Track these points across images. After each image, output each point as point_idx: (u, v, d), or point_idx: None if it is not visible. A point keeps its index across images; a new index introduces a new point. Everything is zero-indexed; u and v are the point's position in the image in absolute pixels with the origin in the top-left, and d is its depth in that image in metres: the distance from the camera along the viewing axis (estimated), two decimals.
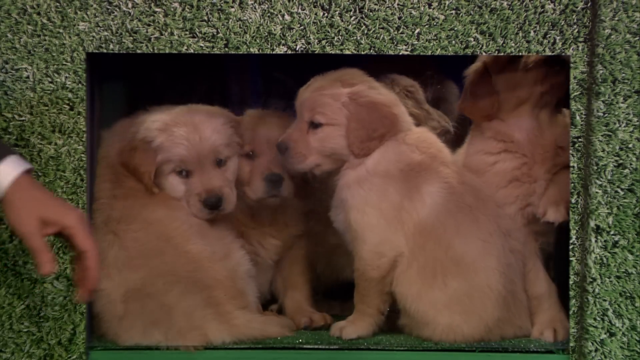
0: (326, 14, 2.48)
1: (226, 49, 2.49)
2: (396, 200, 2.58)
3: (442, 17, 2.48)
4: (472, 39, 2.49)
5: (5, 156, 2.26)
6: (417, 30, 2.48)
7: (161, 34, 2.49)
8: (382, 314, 2.63)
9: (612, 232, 2.45)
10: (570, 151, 2.49)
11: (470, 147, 2.78)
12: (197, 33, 2.49)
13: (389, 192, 2.59)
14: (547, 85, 2.67)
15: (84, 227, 2.28)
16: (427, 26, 2.48)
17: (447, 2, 2.48)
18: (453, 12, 2.48)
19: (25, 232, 2.25)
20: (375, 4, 2.48)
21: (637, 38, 2.43)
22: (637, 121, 2.44)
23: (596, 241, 2.45)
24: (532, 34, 2.47)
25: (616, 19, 2.42)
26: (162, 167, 2.67)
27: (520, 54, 2.51)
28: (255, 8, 2.48)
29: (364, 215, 2.59)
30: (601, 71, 2.43)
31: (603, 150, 2.44)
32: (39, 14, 2.48)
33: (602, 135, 2.44)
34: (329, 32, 2.49)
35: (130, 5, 2.48)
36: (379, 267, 2.60)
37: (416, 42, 2.49)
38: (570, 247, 2.50)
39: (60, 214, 2.26)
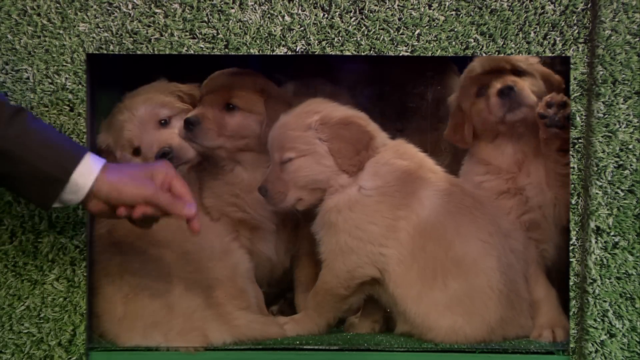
0: (326, 15, 2.48)
1: (226, 50, 2.49)
2: (389, 215, 2.59)
3: (442, 18, 2.48)
4: (472, 40, 2.49)
5: (85, 150, 2.33)
6: (417, 31, 2.48)
7: (161, 35, 2.49)
8: (328, 326, 2.66)
9: (612, 233, 2.45)
10: (571, 152, 2.49)
11: (463, 168, 2.83)
12: (198, 34, 2.49)
13: (381, 209, 2.59)
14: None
15: (159, 192, 2.35)
16: (427, 27, 2.48)
17: (447, 3, 2.48)
18: (453, 13, 2.48)
19: (151, 194, 2.33)
20: (375, 5, 2.48)
21: (637, 39, 2.43)
22: (637, 122, 2.44)
23: (596, 242, 2.45)
24: (532, 35, 2.47)
25: (616, 20, 2.42)
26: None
27: (521, 55, 2.51)
28: (255, 9, 2.48)
29: (354, 239, 2.59)
30: (601, 72, 2.43)
31: (603, 152, 2.44)
32: (39, 15, 2.48)
33: (602, 136, 2.44)
34: (329, 33, 2.49)
35: (130, 6, 2.48)
36: (349, 287, 2.62)
37: (416, 43, 2.49)
38: (571, 248, 2.50)
39: (160, 173, 2.36)
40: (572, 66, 2.47)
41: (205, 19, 2.48)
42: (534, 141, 2.69)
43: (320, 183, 2.65)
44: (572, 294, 2.50)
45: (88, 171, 2.31)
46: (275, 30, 2.49)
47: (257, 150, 2.77)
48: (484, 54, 2.50)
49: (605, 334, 2.45)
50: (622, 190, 2.45)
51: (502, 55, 2.55)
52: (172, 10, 2.48)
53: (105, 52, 2.49)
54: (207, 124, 2.72)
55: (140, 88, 2.86)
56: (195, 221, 2.36)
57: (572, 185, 2.49)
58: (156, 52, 2.49)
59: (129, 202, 2.33)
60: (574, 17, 2.47)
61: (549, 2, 2.47)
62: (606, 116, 2.44)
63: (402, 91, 3.01)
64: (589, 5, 2.46)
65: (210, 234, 2.69)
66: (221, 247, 2.69)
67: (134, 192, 2.33)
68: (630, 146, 2.44)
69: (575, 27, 2.47)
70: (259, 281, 2.78)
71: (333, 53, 2.49)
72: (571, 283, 2.50)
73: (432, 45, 2.49)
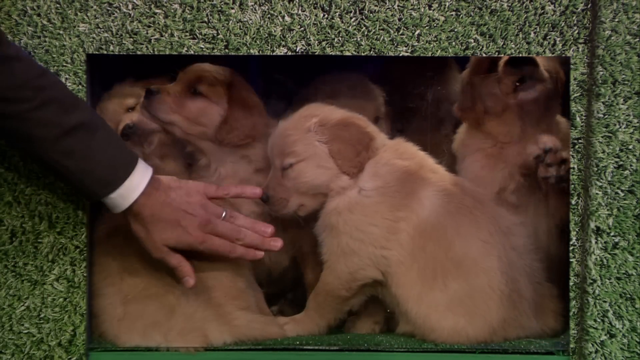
0: (326, 15, 2.48)
1: (226, 51, 2.49)
2: (389, 216, 2.58)
3: (442, 18, 2.48)
4: (472, 40, 2.49)
5: (129, 172, 2.39)
6: (417, 32, 2.48)
7: (161, 36, 2.49)
8: (329, 327, 2.66)
9: (612, 234, 2.45)
10: (571, 152, 2.49)
11: (464, 139, 2.88)
12: (198, 34, 2.49)
13: (381, 210, 2.59)
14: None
15: (207, 245, 2.47)
16: (427, 27, 2.48)
17: (447, 4, 2.48)
18: (453, 13, 2.48)
19: (158, 258, 2.47)
20: (376, 5, 2.48)
21: (637, 39, 2.43)
22: (637, 122, 2.44)
23: (596, 242, 2.45)
24: (532, 35, 2.48)
25: (616, 20, 2.42)
26: None
27: (521, 55, 2.51)
28: (255, 9, 2.48)
29: (355, 241, 2.59)
30: (601, 72, 2.43)
31: (603, 152, 2.44)
32: (39, 15, 2.48)
33: (602, 137, 2.44)
34: (329, 33, 2.49)
35: (130, 6, 2.48)
36: (350, 288, 2.62)
37: (416, 44, 2.49)
38: (570, 248, 2.50)
39: (181, 243, 2.45)
40: (572, 66, 2.47)
41: (205, 19, 2.48)
42: (543, 118, 2.70)
43: (322, 187, 2.64)
44: (572, 294, 2.50)
45: (128, 192, 2.40)
46: (275, 31, 2.49)
47: (214, 142, 2.77)
48: (484, 54, 2.50)
49: (605, 335, 2.45)
50: (622, 191, 2.45)
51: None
52: (172, 10, 2.48)
53: (105, 52, 2.49)
54: (165, 97, 2.73)
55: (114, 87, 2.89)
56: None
57: (572, 186, 2.49)
58: (156, 53, 2.49)
59: (173, 244, 2.47)
60: (574, 18, 2.47)
61: (549, 3, 2.47)
62: (606, 116, 2.44)
63: (402, 91, 3.01)
64: (589, 6, 2.46)
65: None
66: None
67: (181, 237, 2.46)
68: (630, 146, 2.44)
69: (575, 28, 2.47)
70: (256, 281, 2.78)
71: (333, 53, 2.49)
72: (571, 283, 2.50)
73: (432, 45, 2.49)
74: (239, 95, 2.78)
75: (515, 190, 2.76)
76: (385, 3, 2.48)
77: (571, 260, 2.49)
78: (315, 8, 2.48)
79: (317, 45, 2.49)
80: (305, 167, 2.64)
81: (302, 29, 2.49)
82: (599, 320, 2.45)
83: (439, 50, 2.49)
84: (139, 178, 2.40)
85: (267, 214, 2.71)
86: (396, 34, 2.49)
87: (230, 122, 2.72)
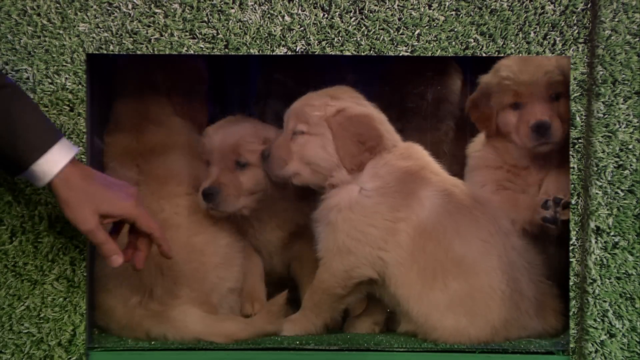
0: (326, 15, 2.48)
1: (226, 50, 2.49)
2: (389, 217, 2.59)
3: (442, 18, 2.48)
4: (472, 40, 2.49)
5: (55, 141, 2.32)
6: (417, 31, 2.48)
7: (161, 35, 2.49)
8: (325, 325, 2.66)
9: (612, 233, 2.45)
10: (570, 152, 2.49)
11: (476, 145, 2.90)
12: (197, 34, 2.49)
13: (381, 211, 2.59)
14: None
15: (141, 212, 2.40)
16: (427, 27, 2.48)
17: (447, 3, 2.48)
18: (453, 13, 2.48)
19: (86, 230, 2.35)
20: (375, 5, 2.48)
21: (637, 39, 2.43)
22: (637, 122, 2.44)
23: (596, 242, 2.45)
24: (532, 35, 2.48)
25: (616, 20, 2.43)
26: None
27: (521, 55, 2.51)
28: (255, 9, 2.48)
29: (352, 240, 2.59)
30: (601, 72, 2.44)
31: (603, 152, 2.44)
32: (39, 15, 2.48)
33: (602, 137, 2.44)
34: (329, 33, 2.49)
35: (130, 6, 2.48)
36: (346, 286, 2.62)
37: (416, 43, 2.49)
38: (571, 248, 2.50)
39: (116, 207, 2.37)
40: (572, 66, 2.47)
41: (205, 19, 2.48)
42: (551, 162, 2.73)
43: (322, 169, 2.65)
44: (572, 294, 2.50)
45: (50, 164, 2.32)
46: (275, 30, 2.49)
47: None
48: (483, 54, 2.50)
49: (605, 334, 2.45)
50: (622, 190, 2.45)
51: (543, 71, 2.63)
52: (172, 10, 2.48)
53: (105, 52, 2.49)
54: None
55: None
56: (137, 258, 2.44)
57: (572, 185, 2.49)
58: (156, 52, 2.49)
59: (105, 210, 2.37)
60: (574, 17, 2.47)
61: (549, 2, 2.47)
62: (606, 116, 2.44)
63: (402, 91, 3.01)
64: (589, 5, 2.46)
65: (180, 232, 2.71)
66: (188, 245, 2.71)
67: (113, 202, 2.38)
68: (630, 146, 2.44)
69: (575, 27, 2.47)
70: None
71: (333, 53, 2.49)
72: (571, 283, 2.50)
73: (432, 45, 2.49)
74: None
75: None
76: (385, 3, 2.48)
77: (571, 260, 2.49)
78: (315, 8, 2.48)
79: (317, 45, 2.49)
80: (312, 142, 2.65)
81: (302, 28, 2.49)
82: (599, 320, 2.45)
83: (439, 50, 2.49)
84: (67, 146, 2.35)
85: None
86: (396, 33, 2.49)
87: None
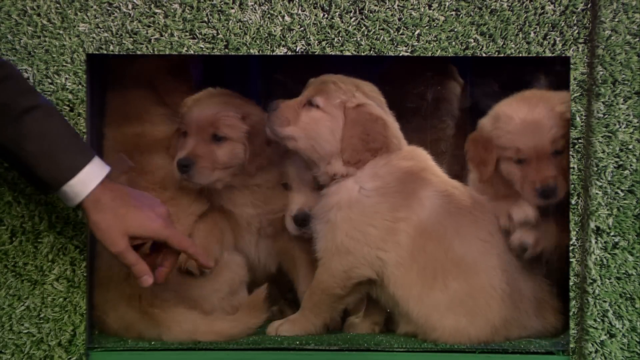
0: (326, 15, 2.48)
1: (226, 50, 2.49)
2: (389, 217, 2.58)
3: (442, 18, 2.48)
4: (472, 40, 2.49)
5: (86, 162, 2.33)
6: (417, 32, 2.48)
7: (161, 35, 2.49)
8: (325, 325, 2.66)
9: (612, 234, 2.45)
10: (570, 152, 2.49)
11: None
12: (197, 34, 2.49)
13: (381, 211, 2.59)
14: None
15: (171, 232, 2.40)
16: (427, 27, 2.48)
17: (447, 3, 2.48)
18: (453, 13, 2.48)
19: (116, 252, 2.37)
20: (375, 5, 2.48)
21: (637, 39, 2.43)
22: (637, 122, 2.44)
23: (596, 242, 2.45)
24: (532, 35, 2.48)
25: (616, 20, 2.43)
26: None
27: (521, 55, 2.51)
28: (255, 9, 2.48)
29: (350, 239, 2.59)
30: (601, 72, 2.44)
31: (603, 152, 2.44)
32: (39, 15, 2.48)
33: (602, 137, 2.44)
34: (329, 33, 2.49)
35: (130, 6, 2.48)
36: (345, 286, 2.62)
37: (416, 43, 2.49)
38: (570, 248, 2.50)
39: (146, 229, 2.38)
40: (572, 66, 2.47)
41: (205, 19, 2.48)
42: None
43: (321, 149, 2.64)
44: (572, 294, 2.50)
45: (81, 186, 2.33)
46: (275, 31, 2.49)
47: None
48: (483, 54, 2.49)
49: (605, 334, 2.45)
50: (622, 191, 2.45)
51: (547, 133, 2.58)
52: (172, 10, 2.48)
53: (105, 52, 2.49)
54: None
55: None
56: (158, 274, 2.44)
57: (572, 186, 2.49)
58: (156, 52, 2.49)
59: (135, 233, 2.38)
60: (574, 18, 2.47)
61: (549, 2, 2.47)
62: (606, 116, 2.44)
63: (402, 91, 3.01)
64: (589, 6, 2.46)
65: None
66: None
67: (143, 224, 2.39)
68: (630, 146, 2.44)
69: (575, 28, 2.47)
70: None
71: (333, 53, 2.49)
72: (571, 283, 2.50)
73: (432, 45, 2.49)
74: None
75: None
76: (385, 3, 2.48)
77: (571, 260, 2.49)
78: (315, 8, 2.48)
79: (317, 45, 2.49)
80: (323, 120, 2.64)
81: (302, 28, 2.49)
82: (599, 320, 2.45)
83: (439, 50, 2.49)
84: (99, 166, 2.36)
85: None
86: (396, 33, 2.49)
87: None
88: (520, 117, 2.64)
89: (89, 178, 2.33)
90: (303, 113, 2.64)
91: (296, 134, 2.64)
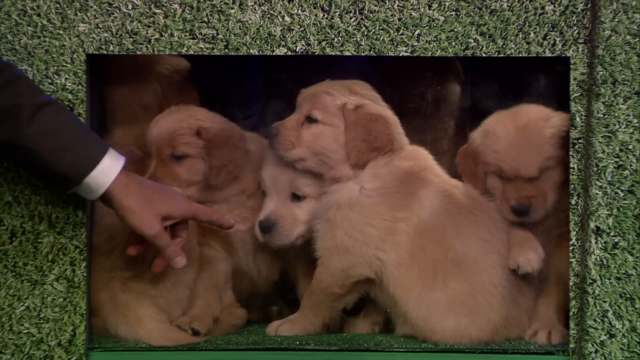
0: (326, 15, 2.48)
1: (226, 51, 2.49)
2: (388, 217, 2.58)
3: (442, 18, 2.48)
4: (472, 40, 2.49)
5: (104, 152, 2.37)
6: (417, 32, 2.49)
7: (161, 36, 2.49)
8: (324, 325, 2.66)
9: (612, 234, 2.45)
10: (570, 152, 2.49)
11: None
12: (197, 34, 2.49)
13: (381, 211, 2.59)
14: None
15: (197, 207, 2.51)
16: (427, 27, 2.48)
17: (447, 4, 2.48)
18: (453, 13, 2.48)
19: (152, 234, 2.41)
20: (375, 5, 2.48)
21: (637, 39, 2.43)
22: (637, 122, 2.44)
23: (596, 242, 2.45)
24: (532, 35, 2.48)
25: (616, 20, 2.42)
26: None
27: (521, 55, 2.51)
28: (255, 9, 2.48)
29: (349, 238, 2.59)
30: (601, 72, 2.44)
31: (603, 152, 2.44)
32: (39, 15, 2.48)
33: (602, 137, 2.44)
34: (329, 33, 2.49)
35: (130, 6, 2.48)
36: (344, 285, 2.62)
37: (416, 44, 2.49)
38: (570, 248, 2.50)
39: (176, 207, 2.46)
40: (572, 66, 2.47)
41: (205, 19, 2.48)
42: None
43: (330, 160, 2.64)
44: (572, 294, 2.50)
45: (104, 175, 2.36)
46: (275, 31, 2.49)
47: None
48: (483, 54, 2.49)
49: (605, 335, 2.45)
50: (622, 191, 2.45)
51: (538, 156, 2.57)
52: (172, 10, 2.48)
53: (105, 52, 2.49)
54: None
55: None
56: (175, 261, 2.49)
57: (572, 186, 2.49)
58: (156, 53, 2.49)
59: (168, 212, 2.44)
60: (573, 18, 2.47)
61: (549, 3, 2.47)
62: (606, 116, 2.44)
63: (402, 91, 3.01)
64: (589, 6, 2.46)
65: None
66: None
67: (173, 204, 2.45)
68: (630, 146, 2.44)
69: (575, 28, 2.47)
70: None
71: (333, 53, 2.49)
72: (571, 283, 2.50)
73: (432, 45, 2.49)
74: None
75: None
76: (385, 3, 2.48)
77: (571, 260, 2.49)
78: (315, 8, 2.48)
79: (317, 45, 2.49)
80: (326, 132, 2.64)
81: (302, 29, 2.49)
82: (599, 320, 2.45)
83: (439, 50, 2.49)
84: (116, 156, 2.38)
85: None
86: (396, 34, 2.49)
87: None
88: (508, 139, 2.63)
89: (110, 167, 2.36)
90: (304, 131, 2.65)
91: (303, 154, 2.65)
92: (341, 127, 2.64)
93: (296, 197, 2.70)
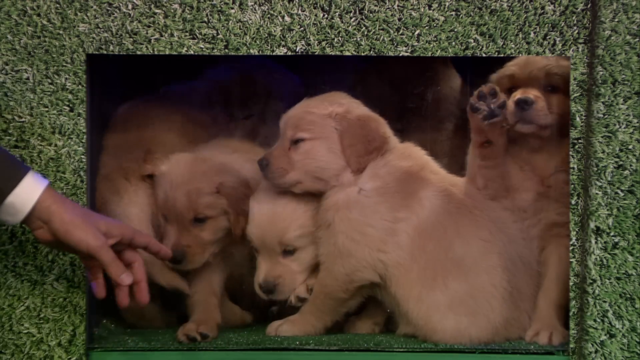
0: (326, 15, 2.48)
1: (226, 51, 2.49)
2: (388, 217, 2.58)
3: (442, 18, 2.48)
4: (472, 40, 2.49)
5: (26, 171, 2.28)
6: (417, 32, 2.49)
7: (161, 36, 2.49)
8: (325, 328, 2.66)
9: (612, 234, 2.45)
10: (570, 152, 2.49)
11: None
12: (197, 34, 2.49)
13: (380, 211, 2.59)
14: None
15: (134, 229, 2.42)
16: (427, 27, 2.48)
17: (447, 3, 2.48)
18: (453, 13, 2.48)
19: (97, 246, 2.30)
20: (375, 5, 2.48)
21: (637, 39, 2.43)
22: (637, 122, 2.44)
23: (596, 242, 2.45)
24: (532, 35, 2.48)
25: (616, 20, 2.43)
26: None
27: (520, 55, 2.51)
28: (255, 9, 2.48)
29: (351, 241, 2.59)
30: (601, 72, 2.44)
31: (603, 152, 2.44)
32: (39, 15, 2.48)
33: (602, 137, 2.44)
34: (328, 33, 2.49)
35: (130, 6, 2.48)
36: (348, 290, 2.62)
37: (416, 44, 2.49)
38: (570, 248, 2.50)
39: (115, 225, 2.36)
40: (572, 66, 2.47)
41: (205, 19, 2.48)
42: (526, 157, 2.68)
43: (327, 172, 2.63)
44: (572, 294, 2.50)
45: (29, 191, 2.28)
46: (275, 31, 2.49)
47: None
48: (484, 54, 2.50)
49: (605, 335, 2.45)
50: (622, 191, 2.45)
51: (543, 63, 2.58)
52: (172, 10, 2.48)
53: (105, 52, 2.49)
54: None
55: None
56: (140, 293, 2.40)
57: (572, 186, 2.49)
58: (156, 53, 2.49)
59: (108, 229, 2.35)
60: (573, 18, 2.47)
61: (549, 3, 2.47)
62: (606, 116, 2.44)
63: (402, 91, 3.01)
64: (589, 6, 2.46)
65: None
66: None
67: (112, 222, 2.38)
68: (630, 146, 2.44)
69: (575, 28, 2.47)
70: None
71: (333, 53, 2.49)
72: (571, 283, 2.50)
73: (432, 45, 2.49)
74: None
75: None
76: (385, 3, 2.48)
77: (571, 260, 2.49)
78: (315, 8, 2.48)
79: (317, 45, 2.49)
80: (318, 146, 2.63)
81: (302, 29, 2.49)
82: (598, 320, 2.45)
83: (439, 50, 2.49)
84: (39, 176, 2.30)
85: None
86: (396, 34, 2.49)
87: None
88: (523, 59, 2.68)
89: (34, 183, 2.28)
90: (293, 154, 2.64)
91: (298, 177, 2.64)
92: (334, 137, 2.64)
93: (289, 252, 2.68)
